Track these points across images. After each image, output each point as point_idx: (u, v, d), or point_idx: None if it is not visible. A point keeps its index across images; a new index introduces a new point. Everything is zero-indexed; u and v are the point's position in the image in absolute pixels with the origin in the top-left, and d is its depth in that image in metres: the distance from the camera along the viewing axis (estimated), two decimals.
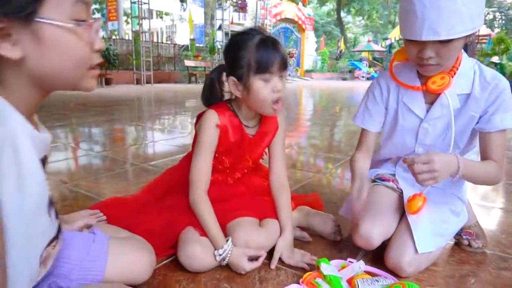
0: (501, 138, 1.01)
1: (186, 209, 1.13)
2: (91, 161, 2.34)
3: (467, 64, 1.01)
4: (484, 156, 1.02)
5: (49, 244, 0.64)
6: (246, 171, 1.31)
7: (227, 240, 1.05)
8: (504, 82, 0.99)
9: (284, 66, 1.07)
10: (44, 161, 0.64)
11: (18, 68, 0.53)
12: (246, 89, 1.06)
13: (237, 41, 1.08)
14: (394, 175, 1.22)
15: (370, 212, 1.07)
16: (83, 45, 0.57)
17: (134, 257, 0.91)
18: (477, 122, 1.02)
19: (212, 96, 1.16)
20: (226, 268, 1.05)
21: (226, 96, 1.19)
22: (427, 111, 1.07)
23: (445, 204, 1.12)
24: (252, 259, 1.05)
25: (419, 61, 0.95)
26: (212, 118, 1.12)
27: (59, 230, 0.69)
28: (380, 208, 1.10)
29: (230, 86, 1.10)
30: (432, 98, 1.05)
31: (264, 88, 1.05)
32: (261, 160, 1.36)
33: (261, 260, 1.06)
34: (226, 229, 1.11)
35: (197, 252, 1.02)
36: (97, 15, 27.50)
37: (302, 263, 1.06)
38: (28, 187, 0.54)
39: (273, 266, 1.06)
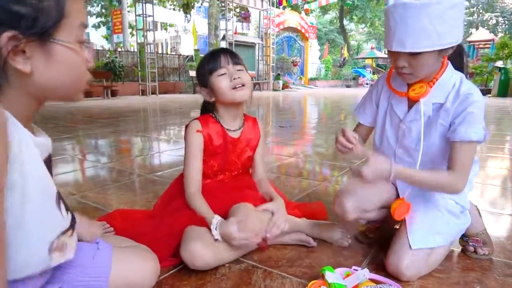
0: (465, 150, 1.03)
1: (187, 208, 1.22)
2: (98, 173, 2.37)
3: (449, 76, 1.07)
4: (449, 165, 1.05)
5: (63, 233, 0.68)
6: (235, 173, 1.40)
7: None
8: (476, 96, 1.02)
9: (235, 62, 1.26)
10: (48, 160, 0.69)
11: (23, 80, 0.59)
12: (212, 90, 1.27)
13: (198, 63, 1.32)
14: None
15: (355, 186, 1.19)
16: (82, 63, 0.65)
17: (138, 264, 0.93)
18: (448, 131, 1.07)
19: (206, 113, 1.36)
20: (232, 277, 1.06)
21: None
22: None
23: (437, 202, 1.15)
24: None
25: (396, 70, 1.06)
26: (194, 125, 1.30)
27: (73, 220, 0.73)
28: (365, 186, 1.17)
29: (204, 96, 1.31)
30: (413, 103, 1.12)
31: (222, 80, 1.24)
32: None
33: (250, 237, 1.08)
34: (228, 215, 1.18)
35: (198, 248, 1.04)
36: (103, 28, 27.92)
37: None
38: (31, 182, 0.59)
39: (276, 230, 1.14)
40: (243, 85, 1.26)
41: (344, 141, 1.05)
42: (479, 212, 1.29)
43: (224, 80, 1.24)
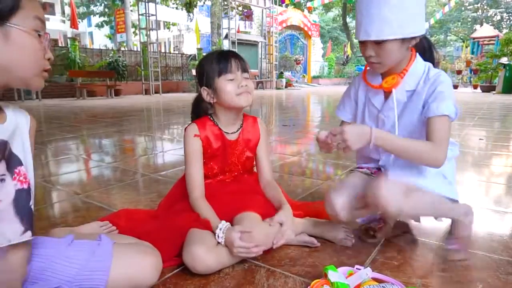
0: (439, 123, 1.08)
1: (191, 210, 1.23)
2: (102, 172, 2.39)
3: (419, 66, 1.15)
4: (428, 139, 1.09)
5: None
6: (236, 173, 1.40)
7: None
8: (444, 77, 1.10)
9: (243, 69, 1.26)
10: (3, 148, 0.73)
11: None
12: (215, 92, 1.25)
13: (202, 60, 1.31)
14: (379, 169, 1.32)
15: (341, 186, 1.25)
16: (38, 49, 0.73)
17: (139, 259, 0.94)
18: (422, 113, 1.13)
19: (198, 111, 1.36)
20: (236, 276, 1.07)
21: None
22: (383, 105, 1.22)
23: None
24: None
25: (366, 60, 1.13)
26: (191, 130, 1.30)
27: None
28: (349, 184, 1.25)
29: (204, 96, 1.28)
30: (389, 94, 1.19)
31: (228, 85, 1.23)
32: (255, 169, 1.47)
33: (251, 248, 1.07)
34: (233, 222, 1.18)
35: (200, 253, 1.05)
36: (106, 28, 27.96)
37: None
38: None
39: (282, 241, 1.14)
40: (248, 92, 1.26)
41: (323, 137, 1.08)
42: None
43: (231, 85, 1.23)
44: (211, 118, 1.34)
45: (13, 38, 0.68)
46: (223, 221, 1.14)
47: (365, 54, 1.10)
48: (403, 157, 1.12)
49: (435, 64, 1.18)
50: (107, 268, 0.87)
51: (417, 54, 1.16)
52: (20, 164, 0.75)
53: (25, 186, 0.74)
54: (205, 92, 1.28)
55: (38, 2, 0.74)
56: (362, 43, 1.10)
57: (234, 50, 1.33)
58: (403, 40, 1.05)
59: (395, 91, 1.15)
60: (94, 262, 0.87)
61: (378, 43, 1.05)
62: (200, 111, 1.36)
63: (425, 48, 1.19)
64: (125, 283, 0.90)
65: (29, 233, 0.72)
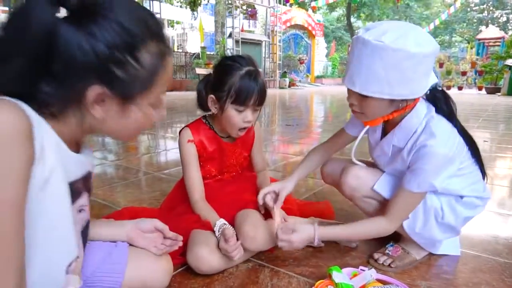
0: (404, 197, 1.02)
1: (192, 212, 1.23)
2: (106, 170, 2.39)
3: (414, 121, 1.02)
4: (388, 207, 1.05)
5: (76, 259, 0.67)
6: (234, 174, 1.41)
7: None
8: (432, 148, 0.95)
9: (260, 102, 1.20)
10: (88, 177, 0.73)
11: (90, 120, 0.63)
12: (221, 110, 1.21)
13: (227, 67, 1.19)
14: None
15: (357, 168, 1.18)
16: (148, 122, 0.69)
17: (153, 264, 0.94)
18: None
19: (202, 104, 1.29)
20: (240, 276, 1.07)
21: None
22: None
23: None
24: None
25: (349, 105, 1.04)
26: (185, 135, 1.29)
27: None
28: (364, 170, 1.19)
29: (208, 101, 1.24)
30: (386, 134, 1.12)
31: (235, 116, 1.20)
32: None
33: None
34: (234, 220, 1.19)
35: (204, 253, 1.05)
36: None
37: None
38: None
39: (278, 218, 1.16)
40: (245, 129, 1.26)
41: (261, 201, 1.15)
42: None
43: (238, 117, 1.20)
44: (206, 122, 1.33)
45: (130, 113, 0.64)
46: (220, 219, 1.14)
47: (348, 101, 1.02)
48: (356, 239, 1.22)
49: (451, 116, 1.03)
50: (123, 271, 0.87)
51: (418, 105, 1.02)
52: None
53: (88, 216, 0.75)
54: (211, 100, 1.23)
55: (172, 72, 0.70)
56: (348, 89, 1.00)
57: (259, 72, 1.21)
58: (392, 100, 0.95)
59: (385, 140, 1.10)
60: (110, 264, 0.87)
61: (363, 96, 0.95)
62: (202, 106, 1.30)
63: (438, 99, 1.03)
64: (138, 285, 0.91)
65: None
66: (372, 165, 1.25)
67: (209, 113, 1.31)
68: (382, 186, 1.10)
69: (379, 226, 1.06)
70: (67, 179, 0.63)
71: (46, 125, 0.57)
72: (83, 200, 0.72)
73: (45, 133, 0.56)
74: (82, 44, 0.54)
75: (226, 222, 1.14)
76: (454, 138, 1.00)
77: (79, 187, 0.69)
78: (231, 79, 1.16)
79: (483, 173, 1.14)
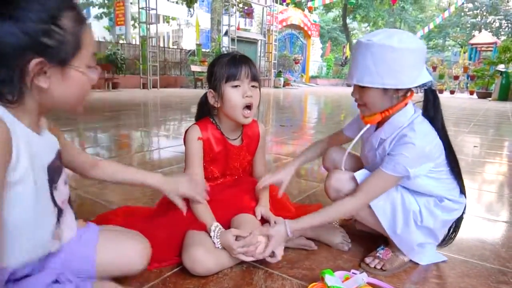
0: (378, 177, 1.10)
1: (188, 210, 1.23)
2: None
3: (402, 119, 1.13)
4: (360, 184, 1.14)
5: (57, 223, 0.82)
6: (236, 177, 1.42)
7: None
8: (410, 139, 1.05)
9: (252, 77, 1.24)
10: (59, 156, 0.85)
11: (40, 94, 0.73)
12: (221, 97, 1.24)
13: (214, 60, 1.29)
14: None
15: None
16: (88, 83, 0.79)
17: (127, 244, 0.98)
18: None
19: (201, 113, 1.36)
20: (234, 277, 1.09)
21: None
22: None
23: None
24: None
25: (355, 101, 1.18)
26: (194, 132, 1.30)
27: (59, 214, 0.84)
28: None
29: (209, 99, 1.28)
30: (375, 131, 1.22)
31: (234, 93, 1.22)
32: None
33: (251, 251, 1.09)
34: (231, 224, 1.20)
35: (199, 254, 1.06)
36: (105, 19, 27.74)
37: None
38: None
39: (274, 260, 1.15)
40: (250, 108, 1.25)
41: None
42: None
43: (237, 93, 1.22)
44: (213, 121, 1.34)
45: (70, 76, 0.74)
46: (215, 224, 1.15)
47: (352, 95, 1.17)
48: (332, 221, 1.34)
49: (435, 119, 1.11)
50: (93, 254, 0.91)
51: (407, 106, 1.13)
52: None
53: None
54: (210, 95, 1.28)
55: (92, 34, 0.81)
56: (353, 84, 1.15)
57: (246, 55, 1.29)
58: (385, 89, 1.08)
59: (374, 135, 1.20)
60: (79, 248, 0.90)
61: (361, 87, 1.11)
62: (204, 114, 1.36)
63: (429, 101, 1.12)
64: (113, 267, 0.94)
65: None
66: (360, 163, 1.34)
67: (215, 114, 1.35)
68: (360, 174, 1.17)
69: (347, 204, 1.13)
70: (46, 164, 0.78)
71: (11, 116, 0.69)
72: (64, 175, 0.87)
73: (16, 127, 0.69)
74: (11, 30, 0.65)
75: (220, 226, 1.15)
76: (432, 137, 1.10)
77: (58, 165, 0.83)
78: (219, 65, 1.24)
79: (461, 185, 1.20)
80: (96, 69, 0.81)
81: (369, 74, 1.06)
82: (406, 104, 1.13)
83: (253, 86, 1.25)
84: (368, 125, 1.19)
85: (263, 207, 1.29)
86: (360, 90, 1.13)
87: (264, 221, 1.26)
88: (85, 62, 0.77)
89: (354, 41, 1.14)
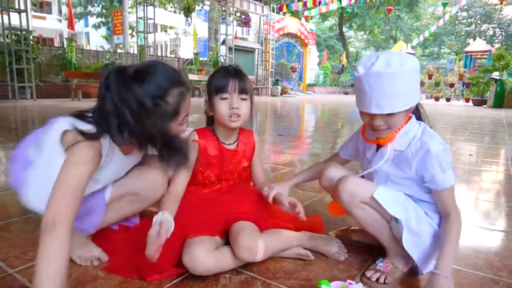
0: (450, 193, 1.17)
1: (190, 218, 1.25)
2: None
3: (411, 127, 1.19)
4: (443, 209, 1.19)
5: None
6: (232, 182, 1.46)
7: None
8: (435, 147, 1.13)
9: (240, 90, 1.32)
10: None
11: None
12: (212, 107, 1.35)
13: (213, 73, 1.40)
14: None
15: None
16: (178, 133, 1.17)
17: (150, 177, 1.27)
18: (425, 182, 1.18)
19: (208, 120, 1.48)
20: (236, 283, 1.11)
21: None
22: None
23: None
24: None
25: (371, 127, 1.18)
26: (191, 135, 1.40)
27: None
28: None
29: (205, 107, 1.40)
30: (379, 148, 1.25)
31: (222, 105, 1.32)
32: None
33: None
34: (230, 231, 1.22)
35: (200, 253, 1.09)
36: (103, 28, 27.91)
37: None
38: None
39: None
40: (238, 116, 1.33)
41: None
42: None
43: (224, 105, 1.32)
44: (212, 130, 1.43)
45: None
46: (164, 212, 1.13)
47: (374, 124, 1.14)
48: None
49: (426, 122, 1.24)
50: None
51: (412, 115, 1.22)
52: None
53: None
54: (206, 105, 1.39)
55: (190, 99, 1.16)
56: (368, 114, 1.13)
57: (239, 67, 1.40)
58: (408, 108, 1.14)
59: (390, 145, 1.20)
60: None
61: (389, 114, 1.11)
62: (209, 122, 1.47)
63: (420, 112, 1.26)
64: (135, 191, 1.26)
65: None
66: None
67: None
68: (381, 194, 1.18)
69: (453, 230, 1.14)
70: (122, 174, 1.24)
71: (111, 144, 1.09)
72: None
73: (114, 149, 1.12)
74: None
75: (169, 215, 1.13)
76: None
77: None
78: (214, 77, 1.36)
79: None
80: (184, 123, 1.15)
81: (402, 100, 1.09)
82: (410, 116, 1.21)
83: (242, 99, 1.33)
84: (389, 145, 1.19)
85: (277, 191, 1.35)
86: (386, 117, 1.12)
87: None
88: (178, 122, 1.12)
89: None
